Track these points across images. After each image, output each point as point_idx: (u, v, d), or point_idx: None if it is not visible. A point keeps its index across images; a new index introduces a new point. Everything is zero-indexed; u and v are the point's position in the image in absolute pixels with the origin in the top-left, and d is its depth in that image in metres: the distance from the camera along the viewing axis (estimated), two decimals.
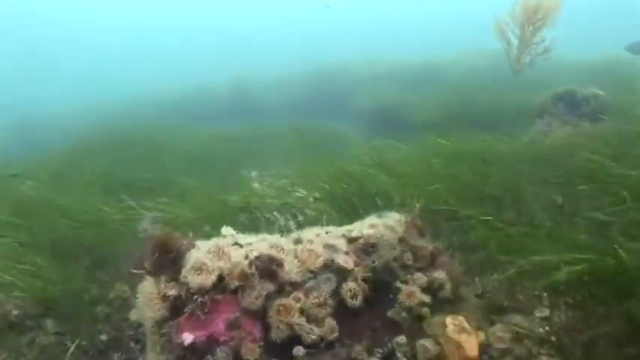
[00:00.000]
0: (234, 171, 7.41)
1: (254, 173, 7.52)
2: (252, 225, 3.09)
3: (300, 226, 3.24)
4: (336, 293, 2.05)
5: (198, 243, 2.11)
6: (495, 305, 2.58)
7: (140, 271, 2.06)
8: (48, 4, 39.52)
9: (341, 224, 3.38)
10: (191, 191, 4.69)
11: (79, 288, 3.00)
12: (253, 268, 1.92)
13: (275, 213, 3.35)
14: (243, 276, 1.90)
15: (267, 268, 1.94)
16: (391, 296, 2.19)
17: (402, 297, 2.16)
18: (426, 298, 2.18)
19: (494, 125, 7.00)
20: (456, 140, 4.73)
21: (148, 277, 1.99)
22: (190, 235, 2.19)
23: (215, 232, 2.40)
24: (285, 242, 2.16)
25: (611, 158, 2.98)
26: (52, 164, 6.54)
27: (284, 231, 3.23)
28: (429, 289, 2.24)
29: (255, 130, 9.55)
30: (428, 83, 12.02)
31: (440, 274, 2.26)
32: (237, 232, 2.23)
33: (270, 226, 3.11)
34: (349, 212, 3.24)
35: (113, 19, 41.39)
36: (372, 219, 2.42)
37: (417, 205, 2.37)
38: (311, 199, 3.67)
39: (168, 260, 1.89)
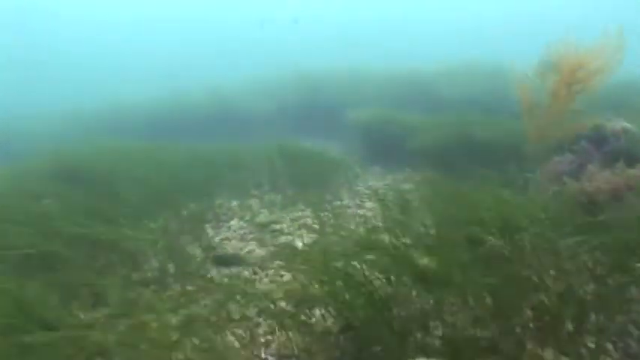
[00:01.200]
0: (210, 200, 6.48)
1: (235, 203, 6.61)
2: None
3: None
4: None
5: None
6: None
7: None
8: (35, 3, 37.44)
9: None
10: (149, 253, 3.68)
11: None
12: None
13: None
14: None
15: None
16: None
17: None
18: None
19: (503, 159, 6.20)
20: (471, 193, 3.90)
21: None
22: None
23: None
24: None
25: None
26: None
27: None
28: None
29: (239, 148, 8.56)
30: (429, 96, 11.21)
31: None
32: None
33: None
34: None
35: (106, 16, 39.69)
36: None
37: None
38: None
39: None
